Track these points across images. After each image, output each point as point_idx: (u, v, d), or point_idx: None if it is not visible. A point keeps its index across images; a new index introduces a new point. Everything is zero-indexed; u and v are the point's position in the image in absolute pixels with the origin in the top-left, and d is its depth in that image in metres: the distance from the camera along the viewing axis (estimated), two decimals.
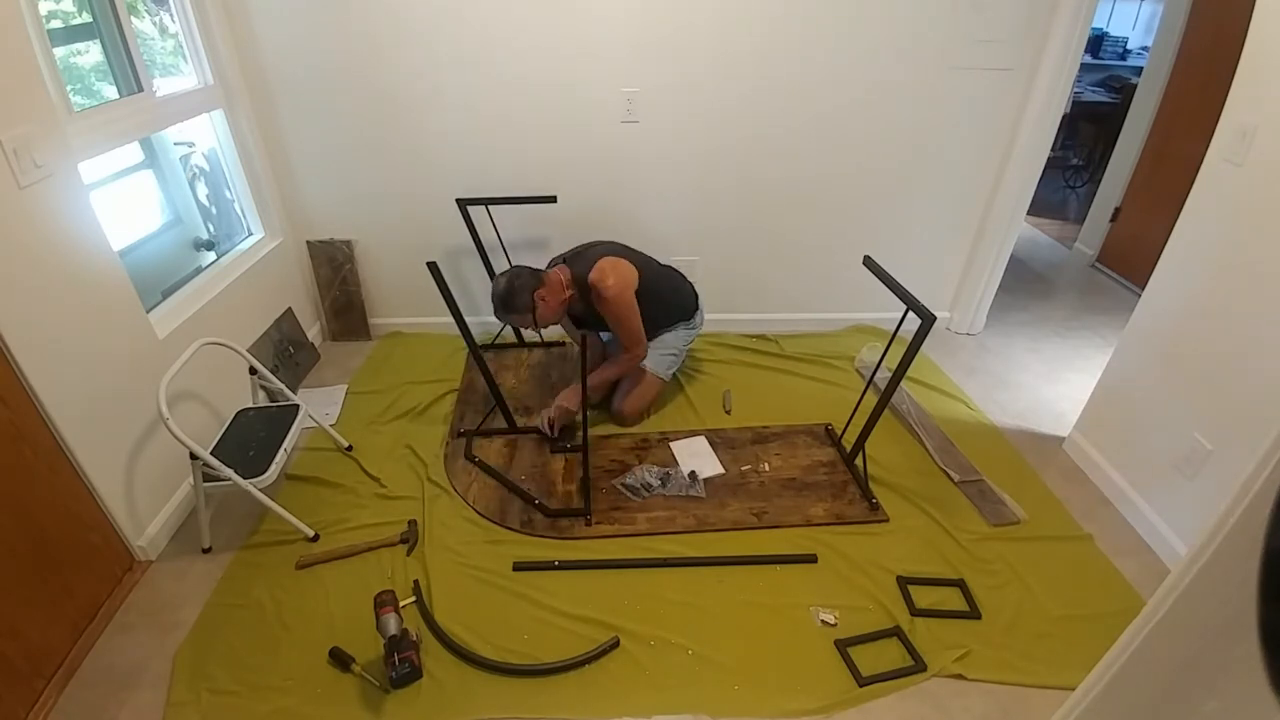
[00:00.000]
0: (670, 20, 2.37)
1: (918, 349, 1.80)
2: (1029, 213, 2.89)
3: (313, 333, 2.90)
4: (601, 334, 2.60)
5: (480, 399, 2.54)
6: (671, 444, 2.31)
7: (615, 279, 2.16)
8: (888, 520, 2.01)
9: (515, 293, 2.11)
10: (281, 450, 1.88)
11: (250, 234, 2.66)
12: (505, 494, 2.10)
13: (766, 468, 2.21)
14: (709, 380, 2.70)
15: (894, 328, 2.01)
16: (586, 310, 2.29)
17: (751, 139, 2.62)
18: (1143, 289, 2.01)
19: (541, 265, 2.85)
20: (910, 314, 1.81)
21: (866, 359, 2.79)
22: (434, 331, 2.99)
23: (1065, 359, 2.90)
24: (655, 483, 2.11)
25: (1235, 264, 1.70)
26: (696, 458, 2.24)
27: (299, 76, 2.45)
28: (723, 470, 2.19)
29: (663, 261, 2.50)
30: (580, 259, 2.25)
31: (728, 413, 2.51)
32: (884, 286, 1.93)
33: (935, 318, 1.75)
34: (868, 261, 2.05)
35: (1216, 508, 0.61)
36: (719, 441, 2.32)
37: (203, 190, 2.49)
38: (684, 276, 2.56)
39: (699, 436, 2.35)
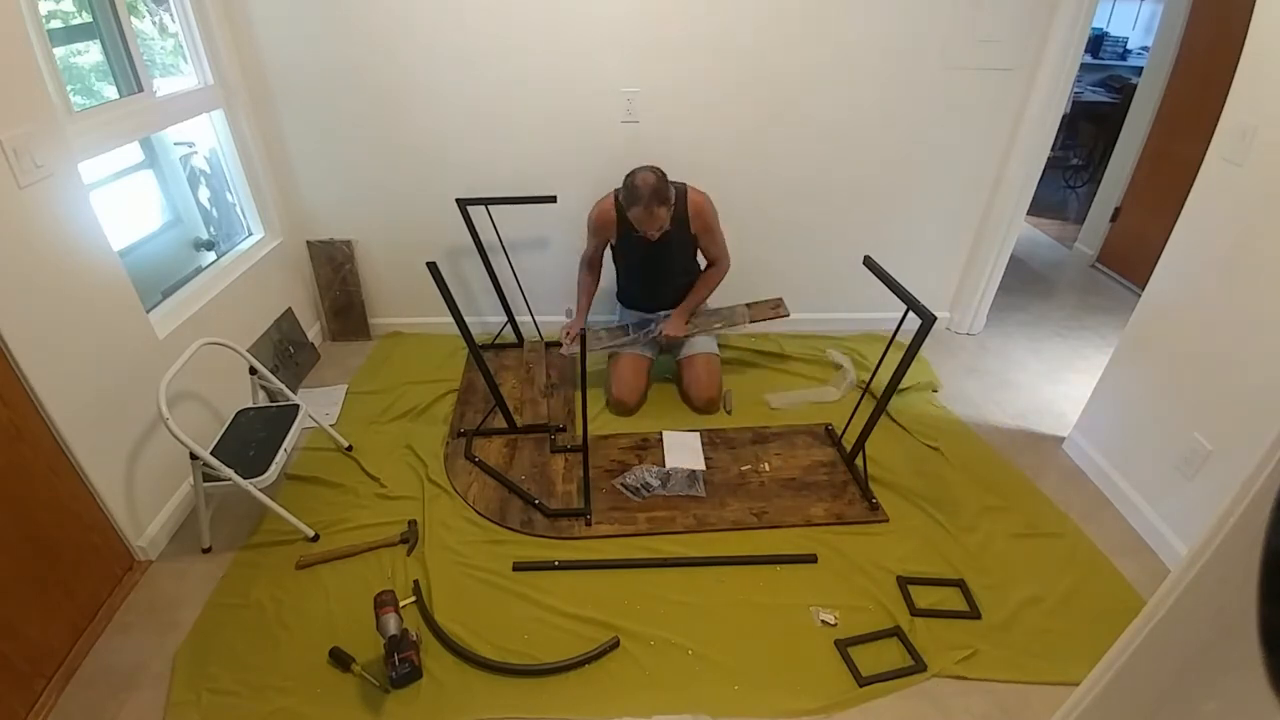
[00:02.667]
0: (670, 20, 2.37)
1: (918, 349, 1.80)
2: (1029, 213, 2.89)
3: (313, 333, 2.90)
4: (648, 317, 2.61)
5: (480, 399, 2.54)
6: (665, 432, 2.29)
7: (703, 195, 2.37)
8: (888, 520, 2.01)
9: (665, 180, 2.18)
10: (281, 450, 1.88)
11: (250, 234, 2.66)
12: (505, 494, 2.10)
13: (766, 468, 2.21)
14: None
15: (894, 328, 2.01)
16: (679, 229, 2.38)
17: (751, 139, 2.61)
18: (1143, 289, 2.01)
19: (543, 264, 2.88)
20: (910, 314, 1.81)
21: (835, 358, 2.79)
22: (434, 331, 2.99)
23: (1065, 359, 2.90)
24: (655, 483, 2.11)
25: (1235, 264, 1.70)
26: (684, 450, 2.22)
27: (299, 76, 2.45)
28: (704, 467, 2.18)
29: None
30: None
31: (728, 413, 2.51)
32: (884, 286, 1.93)
33: (935, 318, 1.75)
34: (868, 261, 2.05)
35: (1216, 508, 0.61)
36: (719, 441, 2.33)
37: (203, 190, 2.49)
38: None
39: (693, 433, 2.34)
